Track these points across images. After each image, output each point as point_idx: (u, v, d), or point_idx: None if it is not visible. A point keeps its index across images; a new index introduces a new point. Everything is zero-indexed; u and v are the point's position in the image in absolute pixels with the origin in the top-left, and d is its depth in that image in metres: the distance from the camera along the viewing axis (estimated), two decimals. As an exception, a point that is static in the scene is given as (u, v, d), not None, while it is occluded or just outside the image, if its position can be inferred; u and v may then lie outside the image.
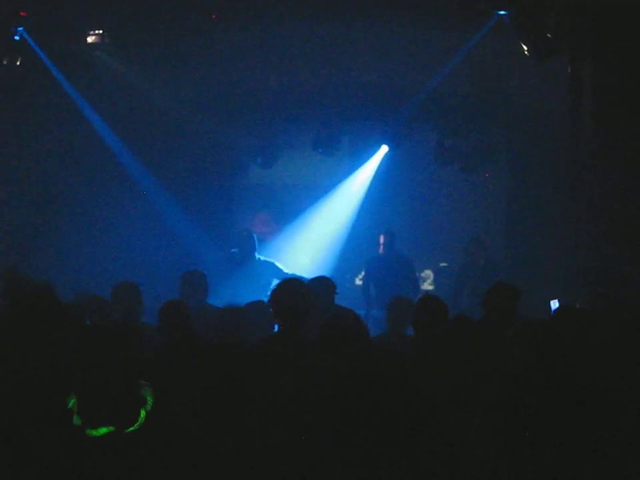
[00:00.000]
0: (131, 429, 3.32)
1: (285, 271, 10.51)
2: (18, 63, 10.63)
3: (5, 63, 10.52)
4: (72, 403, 3.36)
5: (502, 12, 10.19)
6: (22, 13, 10.40)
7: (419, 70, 11.69)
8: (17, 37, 10.35)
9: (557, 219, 11.15)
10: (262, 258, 10.88)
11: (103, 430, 3.26)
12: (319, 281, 8.07)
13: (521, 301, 6.92)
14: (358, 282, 13.21)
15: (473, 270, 11.66)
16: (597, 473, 3.87)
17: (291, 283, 6.63)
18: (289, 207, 13.77)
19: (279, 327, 6.41)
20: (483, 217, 13.26)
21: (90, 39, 10.28)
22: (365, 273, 12.03)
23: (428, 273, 13.38)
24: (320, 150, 13.21)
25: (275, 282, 8.45)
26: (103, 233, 12.68)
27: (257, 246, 10.86)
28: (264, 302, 7.24)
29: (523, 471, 3.64)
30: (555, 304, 7.74)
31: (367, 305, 11.38)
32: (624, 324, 5.64)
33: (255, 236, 10.97)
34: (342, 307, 7.81)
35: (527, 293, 7.82)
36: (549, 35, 10.03)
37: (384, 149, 13.29)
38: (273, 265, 10.77)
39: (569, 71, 10.06)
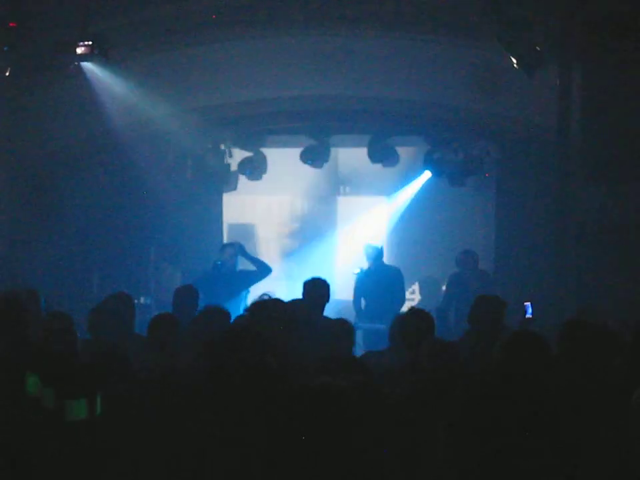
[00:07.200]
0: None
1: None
2: (7, 74, 10.59)
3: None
4: (30, 384, 3.38)
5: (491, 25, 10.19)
6: (11, 24, 10.35)
7: (410, 82, 11.69)
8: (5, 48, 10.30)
9: (546, 231, 11.15)
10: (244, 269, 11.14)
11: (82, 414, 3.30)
12: (312, 283, 7.92)
13: (506, 313, 6.94)
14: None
15: (462, 282, 11.65)
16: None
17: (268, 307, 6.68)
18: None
19: None
20: (472, 228, 13.28)
21: (79, 50, 10.23)
22: (355, 285, 12.00)
23: (416, 286, 13.37)
24: (309, 162, 13.28)
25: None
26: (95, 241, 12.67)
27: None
28: None
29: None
30: (528, 307, 7.75)
31: (356, 318, 11.35)
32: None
33: (242, 246, 11.14)
34: (330, 320, 7.73)
35: (515, 305, 7.82)
36: (537, 48, 10.05)
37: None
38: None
39: (558, 83, 10.07)
